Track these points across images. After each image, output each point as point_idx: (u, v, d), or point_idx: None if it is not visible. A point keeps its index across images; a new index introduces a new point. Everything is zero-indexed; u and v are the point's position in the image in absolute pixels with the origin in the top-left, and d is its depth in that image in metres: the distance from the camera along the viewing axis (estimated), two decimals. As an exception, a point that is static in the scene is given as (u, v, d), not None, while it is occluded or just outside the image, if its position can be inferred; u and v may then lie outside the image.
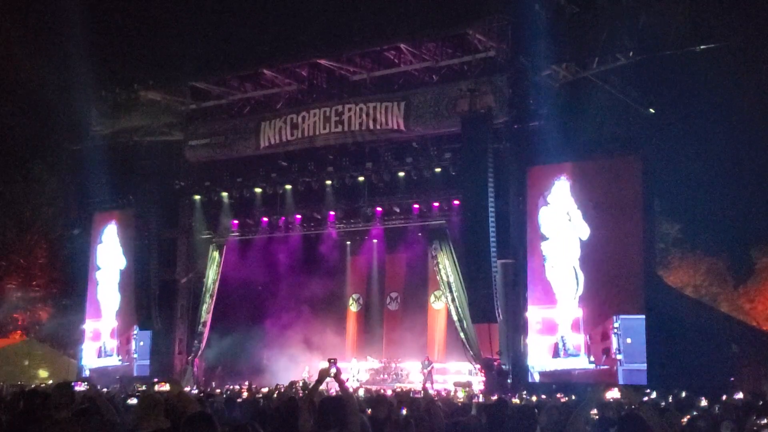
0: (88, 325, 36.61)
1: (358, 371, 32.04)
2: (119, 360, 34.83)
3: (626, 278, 26.30)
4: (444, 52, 29.87)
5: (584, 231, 26.88)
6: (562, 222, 27.30)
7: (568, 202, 27.28)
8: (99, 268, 36.72)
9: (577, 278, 26.86)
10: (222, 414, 10.50)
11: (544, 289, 27.51)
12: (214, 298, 34.17)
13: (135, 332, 34.69)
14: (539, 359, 27.22)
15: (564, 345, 26.84)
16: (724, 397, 17.34)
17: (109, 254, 36.40)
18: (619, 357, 25.78)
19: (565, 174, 27.46)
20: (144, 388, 23.09)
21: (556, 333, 27.07)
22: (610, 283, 26.60)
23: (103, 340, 35.89)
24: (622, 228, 26.53)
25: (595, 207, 26.93)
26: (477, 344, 28.67)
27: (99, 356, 35.72)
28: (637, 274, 26.24)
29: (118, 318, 35.63)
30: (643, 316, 25.59)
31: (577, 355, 26.63)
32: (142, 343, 34.52)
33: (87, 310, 36.87)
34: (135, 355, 34.43)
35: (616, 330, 25.95)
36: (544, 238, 27.65)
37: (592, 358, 26.33)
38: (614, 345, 25.94)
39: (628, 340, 25.81)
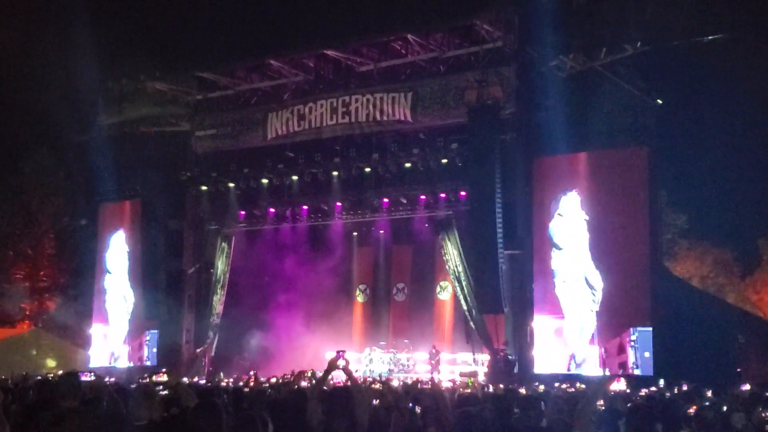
0: (98, 330, 36.59)
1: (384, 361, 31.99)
2: (131, 365, 34.70)
3: (636, 277, 26.12)
4: (451, 43, 29.83)
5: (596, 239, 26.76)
6: (574, 235, 27.18)
7: (579, 214, 27.19)
8: (109, 272, 36.47)
9: (591, 289, 26.65)
10: (229, 404, 10.52)
11: (554, 301, 27.34)
12: (226, 288, 34.28)
13: (147, 338, 34.60)
14: (549, 371, 26.95)
15: (574, 358, 26.68)
16: (731, 388, 17.35)
17: (118, 261, 36.24)
18: (636, 371, 25.43)
19: (576, 188, 27.33)
20: (145, 378, 23.23)
21: (568, 345, 26.90)
22: (623, 288, 26.26)
23: (114, 347, 35.71)
24: (629, 219, 26.48)
25: (601, 201, 26.88)
26: (486, 334, 28.69)
27: (110, 363, 35.51)
28: (644, 266, 26.15)
29: (130, 323, 35.47)
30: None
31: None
32: (155, 350, 34.41)
33: (95, 314, 36.82)
34: (147, 363, 34.21)
35: (633, 343, 25.70)
36: (557, 246, 27.53)
37: (607, 371, 25.84)
38: (631, 359, 25.69)
39: (647, 354, 25.53)
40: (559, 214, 27.57)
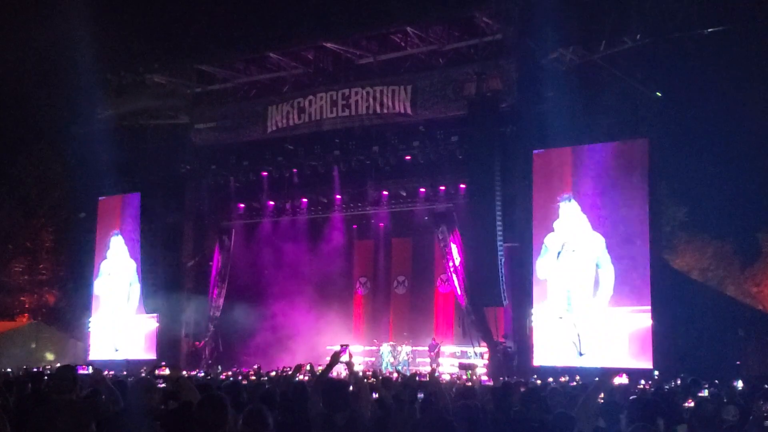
0: (97, 323, 36.38)
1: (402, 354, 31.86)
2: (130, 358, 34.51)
3: (636, 270, 26.01)
4: (450, 36, 29.76)
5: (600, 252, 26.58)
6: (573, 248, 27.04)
7: (579, 223, 27.03)
8: (105, 273, 36.42)
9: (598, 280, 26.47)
10: (228, 397, 10.49)
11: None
12: (226, 282, 34.28)
13: (146, 331, 34.42)
14: (549, 363, 26.76)
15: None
16: (730, 382, 17.34)
17: (117, 267, 36.12)
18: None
19: (572, 191, 27.16)
20: (143, 372, 23.16)
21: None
22: (623, 281, 26.25)
23: (113, 340, 35.55)
24: (629, 212, 26.41)
25: (601, 194, 26.78)
26: (486, 326, 28.70)
27: (109, 356, 35.15)
28: (644, 259, 26.09)
29: (129, 316, 35.29)
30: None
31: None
32: (154, 343, 34.19)
33: (94, 307, 36.59)
34: (146, 356, 33.96)
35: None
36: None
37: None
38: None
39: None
40: (554, 229, 27.29)
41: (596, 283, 26.35)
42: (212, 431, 6.05)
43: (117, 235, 36.17)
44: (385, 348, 31.90)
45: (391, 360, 31.34)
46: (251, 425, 6.22)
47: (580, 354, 26.16)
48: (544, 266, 27.27)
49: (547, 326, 27.04)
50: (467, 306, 29.32)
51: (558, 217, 27.21)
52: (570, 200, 27.10)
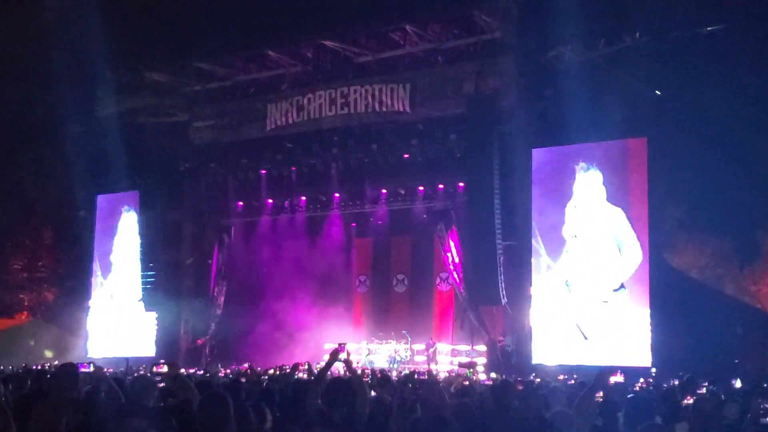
0: (96, 320, 36.30)
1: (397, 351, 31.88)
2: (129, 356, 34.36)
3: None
4: (449, 34, 29.80)
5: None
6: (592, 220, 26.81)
7: (597, 194, 26.77)
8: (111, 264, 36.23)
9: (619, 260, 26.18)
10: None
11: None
12: (225, 280, 34.30)
13: (145, 329, 34.27)
14: (548, 362, 26.64)
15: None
16: (728, 380, 17.35)
17: (122, 258, 35.80)
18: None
19: (596, 162, 26.84)
20: (142, 369, 23.16)
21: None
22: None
23: (112, 337, 35.41)
24: (629, 211, 26.38)
25: (599, 193, 26.75)
26: (485, 324, 28.71)
27: (108, 354, 35.01)
28: (644, 258, 26.05)
29: (128, 314, 35.07)
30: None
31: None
32: (153, 341, 33.93)
33: (93, 305, 36.54)
34: (146, 354, 33.90)
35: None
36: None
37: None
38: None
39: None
40: (574, 205, 26.99)
41: (611, 264, 26.06)
42: (215, 430, 6.06)
43: (129, 210, 35.73)
44: (362, 345, 32.01)
45: (386, 359, 31.35)
46: (242, 424, 6.24)
47: (585, 338, 25.85)
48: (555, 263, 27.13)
49: (546, 324, 27.02)
50: (466, 305, 29.34)
51: (571, 196, 26.96)
52: (588, 169, 26.75)
